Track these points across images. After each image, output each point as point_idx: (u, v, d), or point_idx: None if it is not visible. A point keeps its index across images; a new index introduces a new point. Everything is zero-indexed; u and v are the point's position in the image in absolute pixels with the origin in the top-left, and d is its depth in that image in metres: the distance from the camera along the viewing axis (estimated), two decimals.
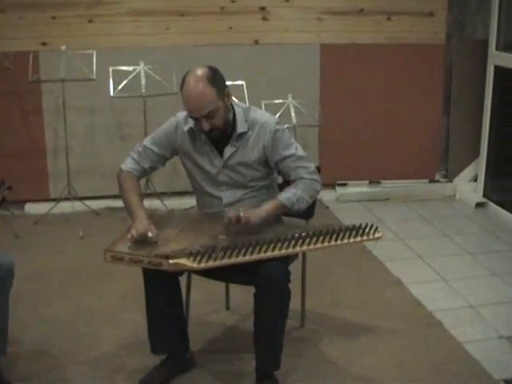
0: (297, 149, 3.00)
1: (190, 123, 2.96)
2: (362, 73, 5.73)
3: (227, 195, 3.02)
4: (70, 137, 5.23)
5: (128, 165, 3.05)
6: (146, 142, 3.06)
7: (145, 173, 3.09)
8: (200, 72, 2.80)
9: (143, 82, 5.09)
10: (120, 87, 5.01)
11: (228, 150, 2.96)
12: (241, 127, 2.93)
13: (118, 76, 5.04)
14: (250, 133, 2.95)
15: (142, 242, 2.73)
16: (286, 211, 2.98)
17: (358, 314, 3.67)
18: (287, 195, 2.93)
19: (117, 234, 2.91)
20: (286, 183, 3.06)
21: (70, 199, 5.26)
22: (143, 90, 5.08)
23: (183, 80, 2.83)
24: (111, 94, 5.03)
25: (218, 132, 2.88)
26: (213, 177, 3.00)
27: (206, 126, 2.82)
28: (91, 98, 5.37)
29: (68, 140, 5.20)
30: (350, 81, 5.72)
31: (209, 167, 2.99)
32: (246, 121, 2.95)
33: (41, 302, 3.81)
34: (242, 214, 2.77)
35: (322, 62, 5.63)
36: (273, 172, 3.09)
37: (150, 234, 2.75)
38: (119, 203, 5.24)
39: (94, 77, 5.00)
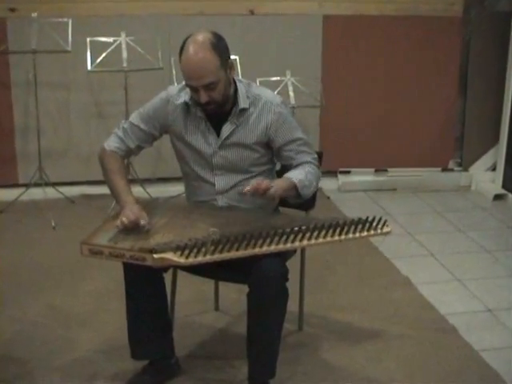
0: (303, 133, 3.01)
1: (184, 96, 2.95)
2: (369, 48, 5.71)
3: (221, 180, 3.00)
4: (41, 115, 5.20)
5: (112, 143, 3.03)
6: (133, 118, 3.04)
7: (131, 153, 3.07)
8: (203, 37, 2.78)
9: (124, 54, 5.05)
10: (98, 60, 4.97)
11: (226, 128, 2.95)
12: (243, 103, 2.92)
13: (97, 48, 5.00)
14: (251, 110, 2.94)
15: (130, 231, 2.72)
16: (292, 195, 2.93)
17: (361, 317, 3.67)
18: (299, 176, 2.89)
19: (94, 224, 2.89)
20: (286, 169, 3.04)
21: (41, 185, 5.23)
22: (124, 64, 5.04)
23: (183, 44, 2.80)
24: (88, 67, 4.99)
25: (215, 106, 2.87)
26: (207, 158, 2.99)
27: (203, 97, 2.81)
28: (66, 72, 5.34)
29: (39, 119, 5.17)
30: (355, 57, 5.71)
31: (203, 147, 2.98)
32: (247, 97, 2.94)
33: (8, 301, 3.79)
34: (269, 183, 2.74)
35: (324, 35, 5.62)
36: (273, 157, 3.08)
37: (142, 222, 2.74)
38: (96, 190, 5.35)
39: (69, 48, 4.96)
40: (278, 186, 2.82)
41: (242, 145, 2.96)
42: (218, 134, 2.96)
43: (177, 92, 3.00)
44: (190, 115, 2.97)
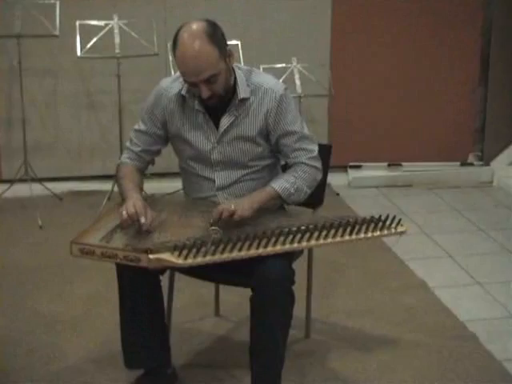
0: (302, 125, 3.01)
1: (178, 87, 2.96)
2: (382, 32, 5.71)
3: (221, 176, 3.01)
4: (27, 105, 5.21)
5: (122, 157, 3.11)
6: (135, 125, 3.10)
7: (140, 159, 3.09)
8: (197, 27, 2.77)
9: (117, 39, 5.06)
10: (89, 46, 4.98)
11: (225, 120, 2.95)
12: (243, 93, 2.92)
13: (87, 32, 5.01)
14: (252, 99, 2.95)
15: (128, 228, 2.73)
16: (279, 203, 2.97)
17: (373, 324, 3.68)
18: (284, 184, 2.92)
19: (84, 222, 2.90)
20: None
21: (26, 181, 5.23)
22: (117, 50, 5.05)
23: (176, 36, 2.80)
24: (78, 53, 5.00)
25: (216, 100, 2.87)
26: (205, 155, 3.00)
27: (205, 92, 2.81)
28: (53, 59, 5.35)
29: (25, 109, 5.17)
30: (367, 41, 5.71)
31: (201, 144, 2.99)
32: (247, 85, 2.94)
33: None
34: (231, 207, 2.76)
35: (333, 17, 5.62)
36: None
37: (142, 220, 2.72)
38: (86, 186, 5.36)
39: (57, 32, 4.97)
40: (247, 205, 2.80)
41: (243, 137, 2.97)
42: (217, 126, 2.97)
43: (169, 84, 3.01)
44: (187, 109, 2.97)
